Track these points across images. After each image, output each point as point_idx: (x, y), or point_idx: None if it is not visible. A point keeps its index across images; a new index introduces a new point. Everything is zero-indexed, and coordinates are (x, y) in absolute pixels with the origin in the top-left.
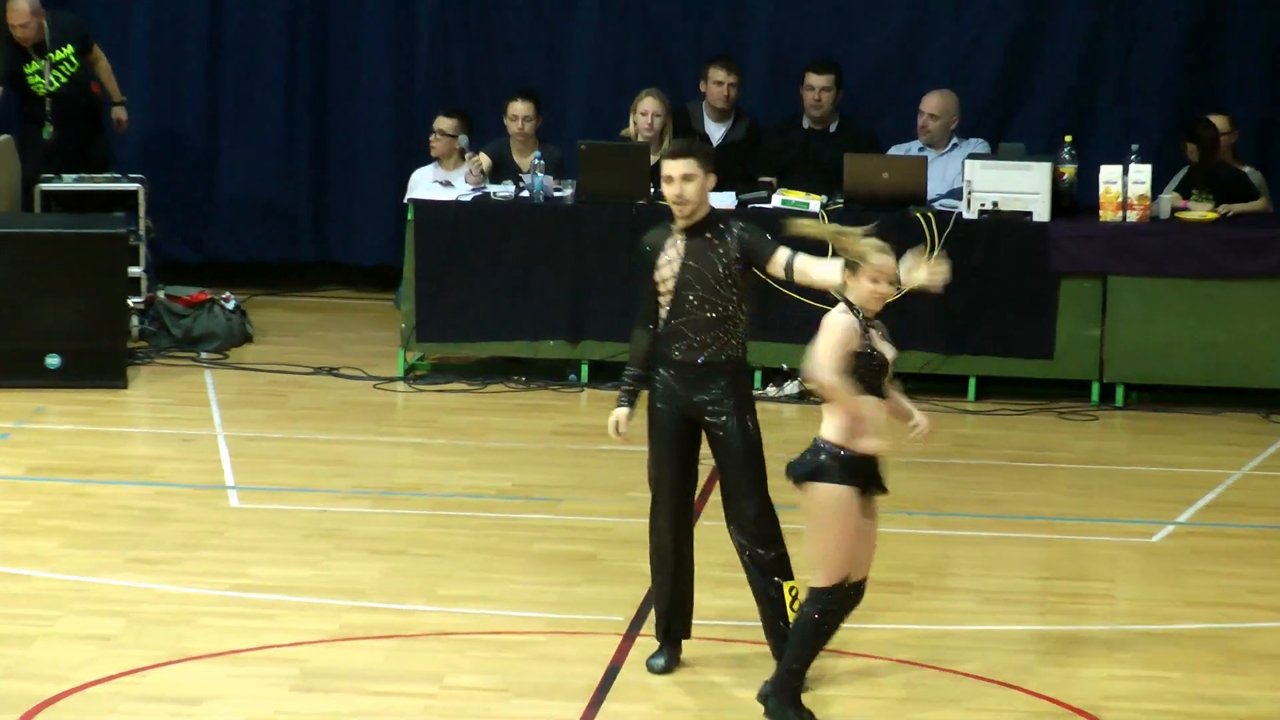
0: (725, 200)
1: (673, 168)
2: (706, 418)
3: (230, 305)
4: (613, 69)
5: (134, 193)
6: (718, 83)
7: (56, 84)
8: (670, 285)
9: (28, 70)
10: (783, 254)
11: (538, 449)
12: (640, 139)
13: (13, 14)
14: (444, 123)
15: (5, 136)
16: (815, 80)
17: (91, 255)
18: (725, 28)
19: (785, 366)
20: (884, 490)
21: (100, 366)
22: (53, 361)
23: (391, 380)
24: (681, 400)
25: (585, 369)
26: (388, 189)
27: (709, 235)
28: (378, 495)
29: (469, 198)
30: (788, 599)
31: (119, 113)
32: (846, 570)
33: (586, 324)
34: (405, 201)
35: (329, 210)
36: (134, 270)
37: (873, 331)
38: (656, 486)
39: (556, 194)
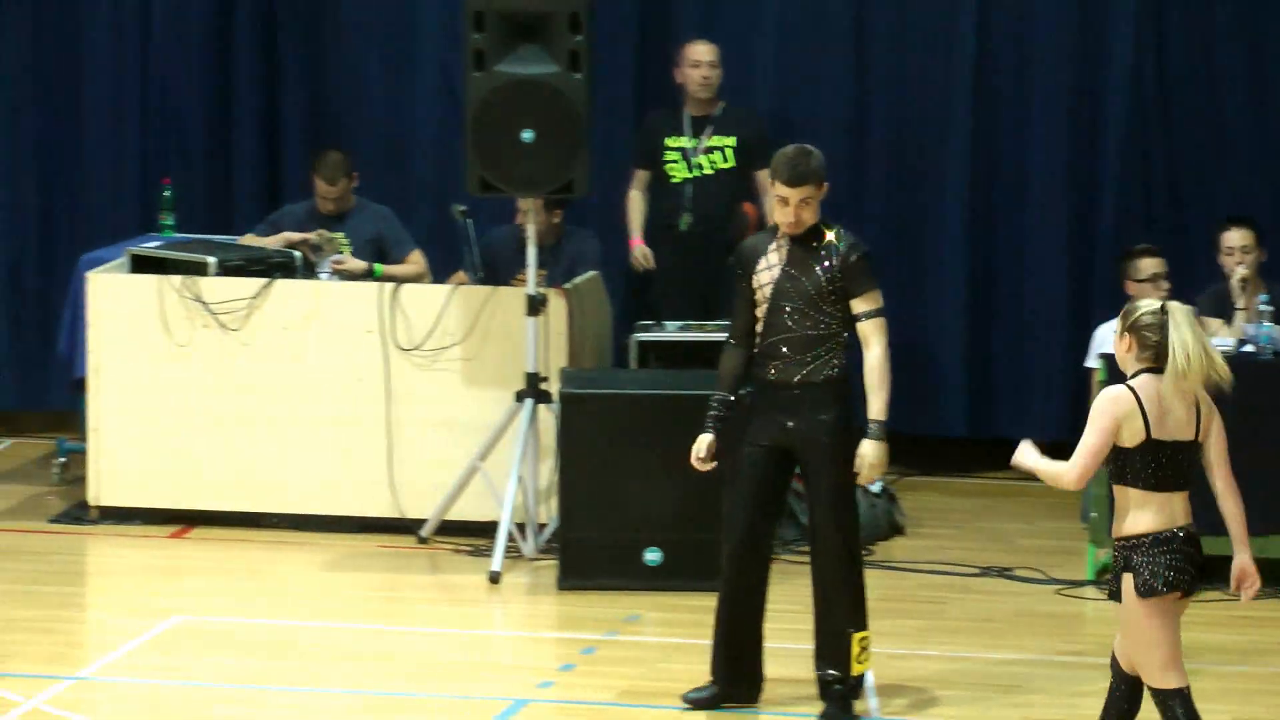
0: None
1: (792, 193)
2: (800, 446)
3: (875, 489)
4: None
5: None
6: None
7: (699, 172)
8: (766, 294)
9: (668, 144)
10: (865, 304)
11: None
12: None
13: (692, 51)
14: (1147, 264)
15: (592, 274)
16: None
17: (696, 423)
18: None
19: None
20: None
21: (711, 564)
22: (652, 557)
23: (1078, 584)
24: (773, 425)
25: None
26: (1060, 344)
27: (814, 244)
28: None
29: None
30: (854, 649)
31: None
32: None
33: None
34: (1096, 358)
35: (991, 374)
36: None
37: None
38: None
39: None
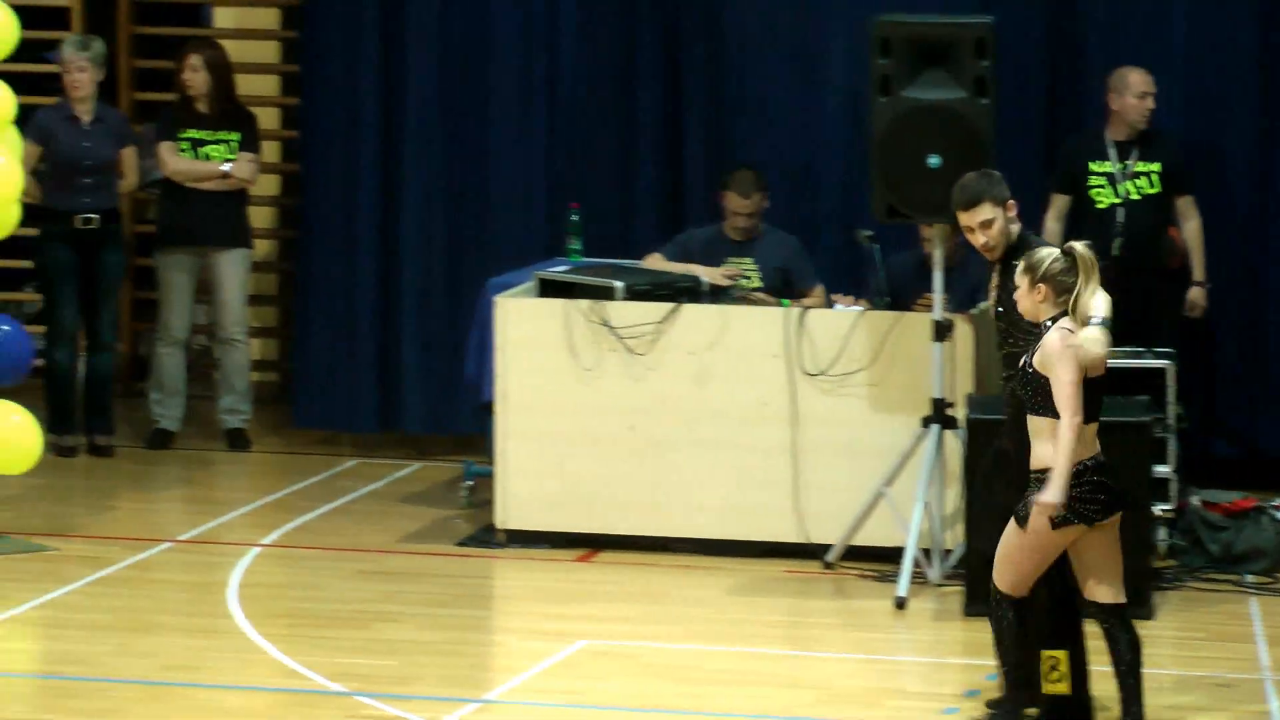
0: None
1: (968, 219)
2: None
3: None
4: None
5: (1159, 371)
6: None
7: (1126, 197)
8: (992, 316)
9: (1092, 169)
10: None
11: None
12: None
13: (1138, 80)
14: None
15: (982, 306)
16: None
17: (1104, 450)
18: None
19: None
20: None
21: None
22: None
23: None
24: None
25: None
26: None
27: (1012, 261)
28: None
29: None
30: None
31: (1196, 294)
32: None
33: None
34: None
35: None
36: (1160, 470)
37: None
38: None
39: None
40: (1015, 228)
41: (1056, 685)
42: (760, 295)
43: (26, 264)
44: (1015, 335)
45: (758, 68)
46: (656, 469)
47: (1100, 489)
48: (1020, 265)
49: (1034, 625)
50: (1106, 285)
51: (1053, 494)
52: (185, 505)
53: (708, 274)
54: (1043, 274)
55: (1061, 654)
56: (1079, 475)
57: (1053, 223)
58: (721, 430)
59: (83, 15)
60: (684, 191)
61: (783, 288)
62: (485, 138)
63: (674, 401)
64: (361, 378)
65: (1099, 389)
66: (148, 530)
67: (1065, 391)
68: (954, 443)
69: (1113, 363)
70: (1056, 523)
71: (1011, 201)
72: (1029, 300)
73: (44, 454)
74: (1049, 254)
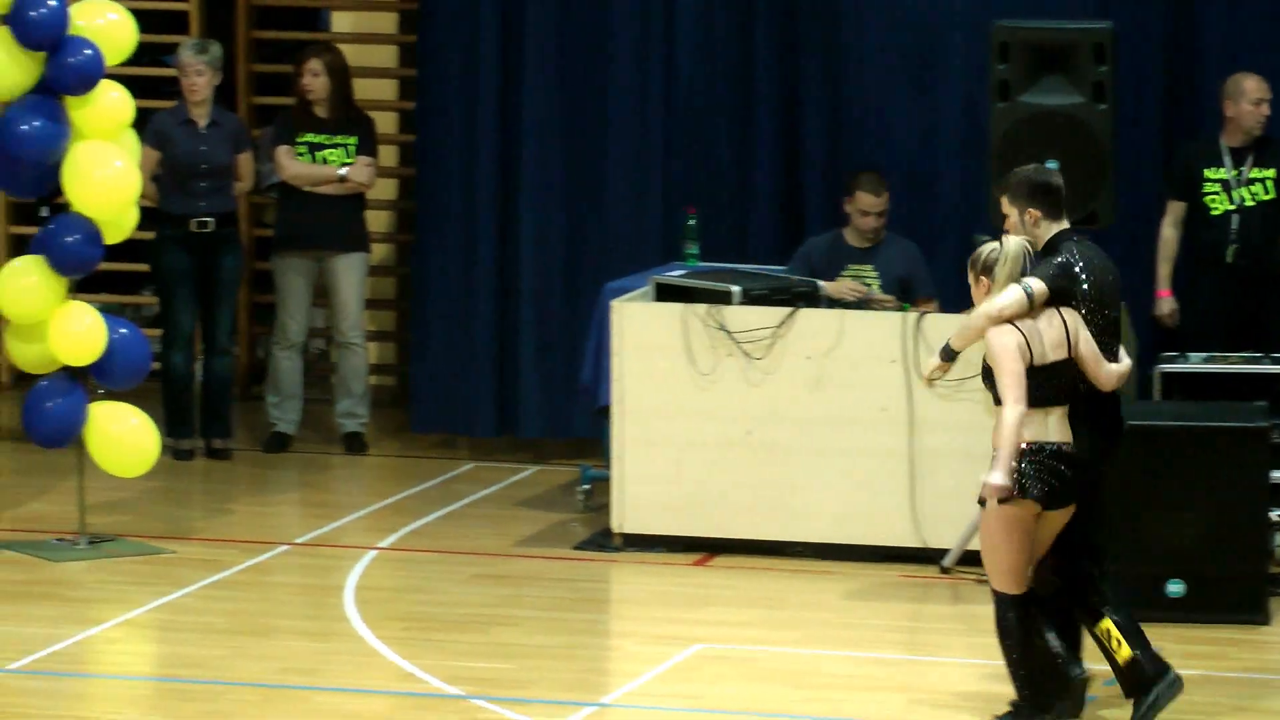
0: None
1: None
2: None
3: None
4: None
5: (1277, 377)
6: None
7: (1241, 204)
8: None
9: (1207, 175)
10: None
11: None
12: None
13: (1253, 87)
14: None
15: None
16: None
17: (1221, 455)
18: None
19: None
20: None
21: (1232, 596)
22: (1175, 589)
23: None
24: None
25: None
26: None
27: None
28: None
29: None
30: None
31: None
32: None
33: None
34: None
35: None
36: (1277, 475)
37: None
38: None
39: None
40: (1044, 235)
41: (1121, 650)
42: (884, 297)
43: (143, 267)
44: None
45: (875, 72)
46: (773, 473)
47: (1052, 474)
48: (969, 261)
49: (1042, 619)
50: (1218, 289)
51: (994, 474)
52: (302, 509)
53: (833, 290)
54: (982, 266)
55: (1106, 623)
56: (1036, 454)
57: (1169, 229)
58: (838, 435)
59: (201, 19)
60: (801, 196)
61: (902, 296)
62: (602, 141)
63: (791, 406)
64: (478, 382)
65: (1064, 374)
66: (264, 533)
67: (1003, 381)
68: None
69: (1230, 368)
70: (1001, 498)
71: (1032, 211)
72: (977, 293)
73: (161, 457)
74: (989, 248)
